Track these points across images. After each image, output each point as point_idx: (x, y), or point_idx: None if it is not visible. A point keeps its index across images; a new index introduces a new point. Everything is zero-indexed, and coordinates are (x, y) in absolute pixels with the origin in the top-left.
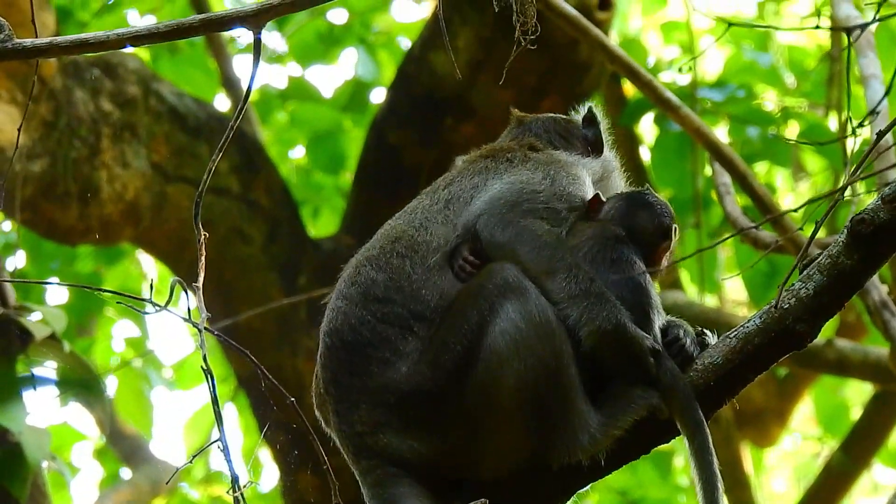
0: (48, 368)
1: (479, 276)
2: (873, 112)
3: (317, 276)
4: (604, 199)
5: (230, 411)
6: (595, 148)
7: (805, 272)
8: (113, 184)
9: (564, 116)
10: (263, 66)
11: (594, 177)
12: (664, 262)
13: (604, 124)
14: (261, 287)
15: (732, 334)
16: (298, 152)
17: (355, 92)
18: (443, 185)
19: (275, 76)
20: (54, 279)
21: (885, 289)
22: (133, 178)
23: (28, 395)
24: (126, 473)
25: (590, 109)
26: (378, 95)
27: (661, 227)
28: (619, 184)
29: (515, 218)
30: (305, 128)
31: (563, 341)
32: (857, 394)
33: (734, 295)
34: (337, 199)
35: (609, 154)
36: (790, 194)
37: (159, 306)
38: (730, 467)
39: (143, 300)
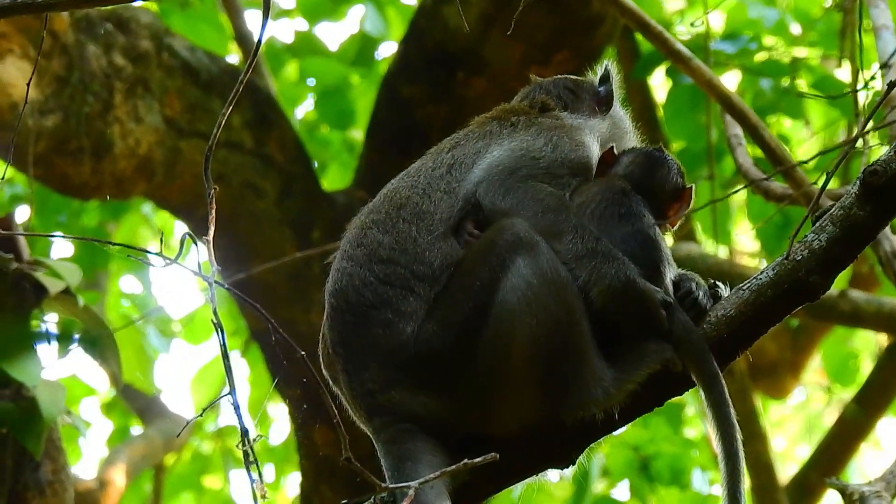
0: (51, 323)
1: (489, 232)
2: (886, 65)
3: (330, 231)
4: (616, 153)
5: (241, 365)
6: (605, 104)
7: (818, 224)
8: (126, 139)
9: (577, 77)
10: (272, 22)
11: (603, 138)
12: (675, 221)
13: (616, 81)
14: (274, 242)
15: (745, 286)
16: (306, 108)
17: (362, 47)
18: (447, 148)
19: (283, 31)
20: (58, 234)
21: None
22: (146, 133)
23: (42, 350)
24: (136, 429)
25: (606, 67)
26: (385, 51)
27: (675, 186)
28: (633, 144)
29: (516, 184)
30: (314, 82)
31: (574, 296)
32: (865, 344)
33: (746, 246)
34: (345, 155)
35: (621, 113)
36: (803, 146)
37: (169, 259)
38: (745, 420)
39: (154, 253)
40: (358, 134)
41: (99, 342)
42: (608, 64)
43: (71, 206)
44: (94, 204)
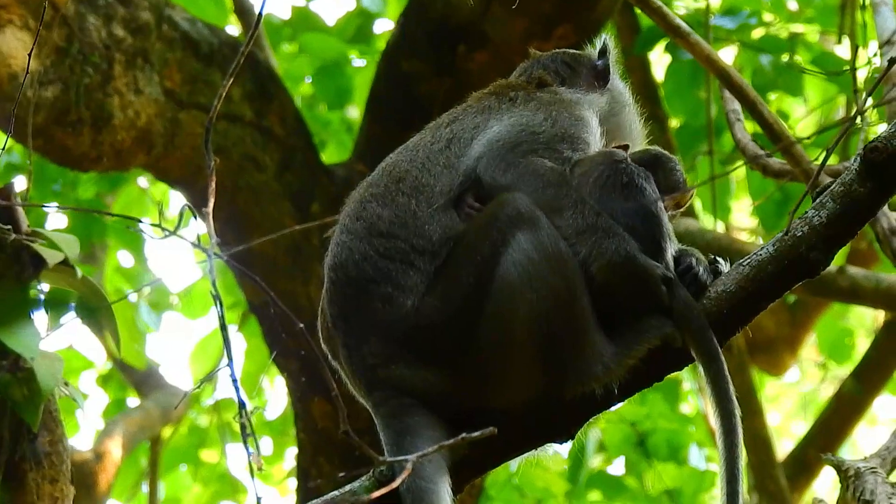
0: (48, 293)
1: (490, 207)
2: (888, 42)
3: (330, 204)
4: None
5: (238, 339)
6: (602, 77)
7: (818, 200)
8: (125, 111)
9: (575, 52)
10: None
11: (601, 113)
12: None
13: (613, 54)
14: (274, 215)
15: (745, 262)
16: (304, 85)
17: (361, 24)
18: (446, 123)
19: (281, 7)
20: (56, 205)
21: (894, 216)
22: (146, 105)
23: (40, 321)
24: (133, 401)
25: (603, 41)
26: (382, 26)
27: (676, 184)
28: (633, 119)
29: (516, 159)
30: (312, 58)
31: (574, 271)
32: (860, 322)
33: (744, 223)
34: (342, 133)
35: (620, 86)
36: (801, 123)
37: (168, 231)
38: (743, 396)
39: (152, 224)
40: (355, 112)
41: (96, 313)
42: (606, 38)
43: (66, 177)
44: (89, 176)
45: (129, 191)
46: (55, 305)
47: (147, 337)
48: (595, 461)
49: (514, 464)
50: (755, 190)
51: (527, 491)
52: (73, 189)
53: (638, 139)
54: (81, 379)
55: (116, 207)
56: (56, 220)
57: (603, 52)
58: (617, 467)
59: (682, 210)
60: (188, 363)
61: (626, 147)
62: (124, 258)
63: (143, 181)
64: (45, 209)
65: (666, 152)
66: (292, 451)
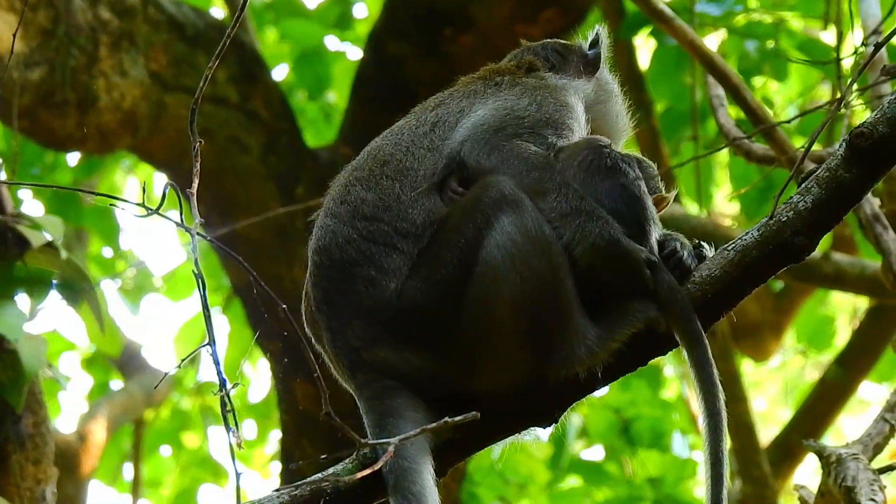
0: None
1: (473, 189)
2: (876, 31)
3: (315, 187)
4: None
5: (221, 321)
6: (592, 66)
7: (803, 185)
8: (111, 93)
9: (566, 41)
10: None
11: (587, 100)
12: None
13: (605, 45)
14: (258, 197)
15: (730, 247)
16: (282, 72)
17: (343, 11)
18: (431, 106)
19: None
20: (41, 184)
21: (877, 202)
22: (131, 87)
23: (24, 302)
24: (116, 384)
25: (596, 31)
26: (362, 12)
27: (651, 190)
28: (619, 109)
29: (500, 142)
30: (293, 44)
31: (558, 254)
32: (840, 307)
33: (728, 209)
34: (319, 122)
35: (608, 76)
36: (784, 108)
37: (151, 209)
38: (727, 381)
39: (135, 203)
40: (333, 98)
41: (81, 293)
42: (599, 28)
43: (44, 161)
44: (62, 159)
45: (110, 177)
46: (38, 286)
47: (127, 321)
48: (576, 446)
49: (497, 449)
50: (737, 176)
51: (509, 476)
52: (51, 173)
53: (624, 130)
54: (64, 361)
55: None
56: (31, 207)
57: (595, 43)
58: (596, 453)
59: (661, 213)
60: (172, 346)
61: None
62: (99, 247)
63: (124, 164)
64: (20, 194)
65: (645, 158)
66: (275, 436)
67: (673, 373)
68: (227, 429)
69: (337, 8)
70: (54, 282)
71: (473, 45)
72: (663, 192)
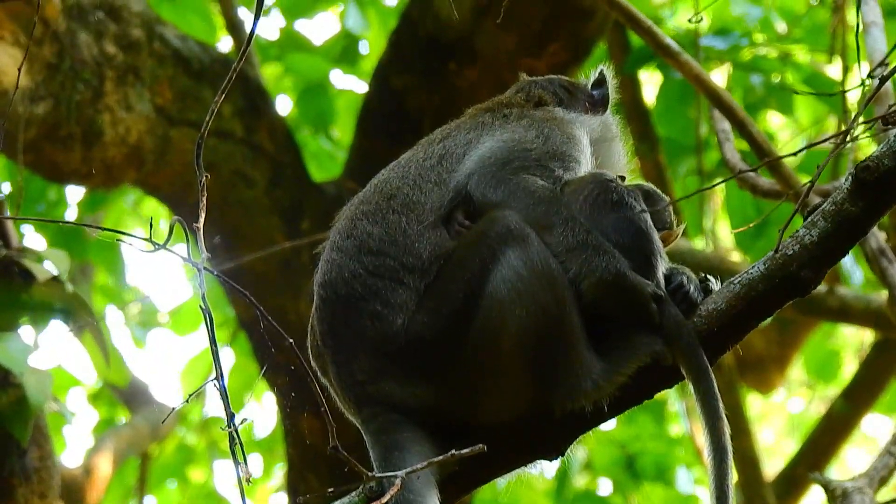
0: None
1: (480, 224)
2: (882, 63)
3: (320, 220)
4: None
5: (228, 356)
6: (600, 105)
7: (809, 219)
8: (116, 127)
9: (571, 79)
10: (262, 17)
11: (593, 135)
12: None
13: (612, 85)
14: (264, 231)
15: (736, 280)
16: (286, 106)
17: (347, 45)
18: (438, 139)
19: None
20: (49, 219)
21: (883, 236)
22: (136, 122)
23: (28, 337)
24: (123, 420)
25: (601, 72)
26: (367, 48)
27: (662, 223)
28: (620, 150)
29: (507, 176)
30: (297, 79)
31: (564, 288)
32: (846, 342)
33: (727, 242)
34: (322, 157)
35: (612, 119)
36: (789, 143)
37: (158, 245)
38: (731, 414)
39: (142, 238)
40: (337, 134)
41: (85, 325)
42: (603, 68)
43: (46, 197)
44: (61, 194)
45: (115, 211)
46: (41, 315)
47: (133, 355)
48: (580, 480)
49: (502, 482)
50: (735, 211)
51: None
52: (55, 209)
53: (625, 170)
54: (71, 397)
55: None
56: (34, 242)
57: (600, 83)
58: (604, 487)
59: (668, 247)
60: (179, 381)
61: (620, 178)
62: (104, 279)
63: (129, 200)
64: (23, 229)
65: (657, 189)
66: (280, 470)
67: (678, 408)
68: (236, 463)
69: (342, 43)
70: (58, 311)
71: (478, 78)
72: (674, 224)
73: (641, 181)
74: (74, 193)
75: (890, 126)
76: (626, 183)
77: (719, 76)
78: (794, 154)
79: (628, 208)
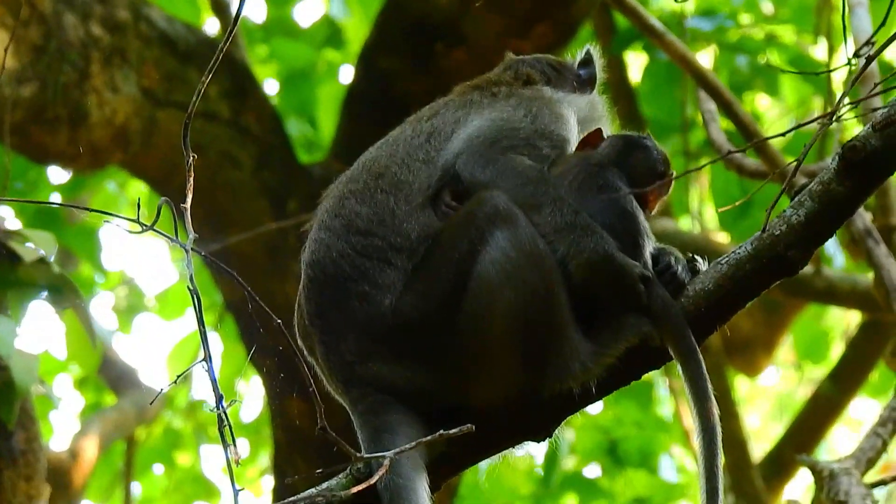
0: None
1: (468, 204)
2: (868, 43)
3: (307, 202)
4: (605, 136)
5: (215, 340)
6: (587, 84)
7: (796, 199)
8: (102, 108)
9: (558, 58)
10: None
11: (580, 115)
12: (653, 207)
13: (599, 64)
14: (251, 213)
15: (724, 260)
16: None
17: (333, 30)
18: (427, 116)
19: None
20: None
21: (869, 216)
22: (123, 103)
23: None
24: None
25: (588, 51)
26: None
27: (654, 172)
28: (607, 130)
29: (495, 155)
30: (283, 64)
31: (553, 269)
32: (834, 324)
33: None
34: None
35: (598, 98)
36: (775, 123)
37: (145, 226)
38: (719, 397)
39: (129, 219)
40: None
41: (71, 306)
42: (590, 48)
43: (26, 177)
44: (45, 176)
45: (102, 195)
46: (26, 291)
47: (120, 339)
48: (567, 463)
49: (485, 464)
50: (718, 189)
51: (494, 491)
52: (34, 189)
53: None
54: (56, 382)
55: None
56: (11, 223)
57: (586, 62)
58: (592, 470)
59: (667, 194)
60: (165, 365)
61: (599, 132)
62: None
63: (112, 186)
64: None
65: (646, 138)
66: (266, 454)
67: (665, 391)
68: (225, 445)
69: (326, 28)
70: (44, 290)
71: (465, 59)
72: (665, 170)
73: (625, 131)
74: (56, 175)
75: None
76: (610, 134)
77: (705, 57)
78: (782, 135)
79: (614, 189)
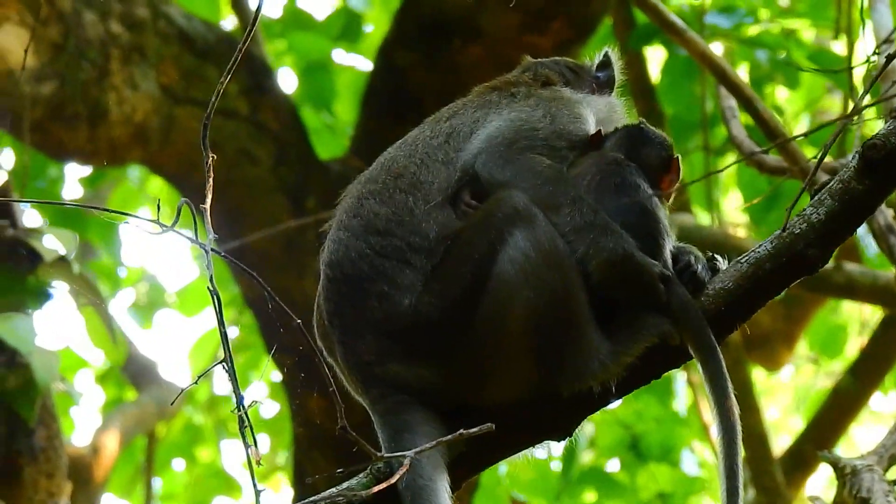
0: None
1: (487, 204)
2: (888, 40)
3: (325, 199)
4: (604, 135)
5: (234, 334)
6: (606, 86)
7: (816, 197)
8: (122, 106)
9: (576, 61)
10: None
11: (599, 116)
12: (670, 192)
13: (618, 66)
14: (269, 210)
15: (743, 259)
16: (290, 83)
17: (349, 22)
18: (446, 117)
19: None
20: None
21: (890, 213)
22: (142, 101)
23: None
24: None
25: (606, 53)
26: (370, 24)
27: (661, 160)
28: None
29: (514, 155)
30: (300, 57)
31: (571, 269)
32: (851, 317)
33: (737, 218)
34: (324, 133)
35: (617, 100)
36: (795, 118)
37: (165, 226)
38: (740, 392)
39: (150, 220)
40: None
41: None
42: (608, 50)
43: (45, 174)
44: (61, 171)
45: (123, 189)
46: (45, 299)
47: (139, 334)
48: (586, 457)
49: (504, 466)
50: (745, 185)
51: (513, 487)
52: (55, 186)
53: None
54: (79, 379)
55: (110, 206)
56: (33, 220)
57: (605, 65)
58: (611, 464)
59: (677, 184)
60: (187, 361)
61: (599, 133)
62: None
63: (134, 177)
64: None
65: (645, 127)
66: (284, 450)
67: (684, 385)
68: (246, 446)
69: (342, 19)
70: (67, 288)
71: (481, 55)
72: (672, 158)
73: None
74: (75, 170)
75: None
76: (616, 128)
77: (721, 51)
78: (805, 135)
79: (634, 188)
